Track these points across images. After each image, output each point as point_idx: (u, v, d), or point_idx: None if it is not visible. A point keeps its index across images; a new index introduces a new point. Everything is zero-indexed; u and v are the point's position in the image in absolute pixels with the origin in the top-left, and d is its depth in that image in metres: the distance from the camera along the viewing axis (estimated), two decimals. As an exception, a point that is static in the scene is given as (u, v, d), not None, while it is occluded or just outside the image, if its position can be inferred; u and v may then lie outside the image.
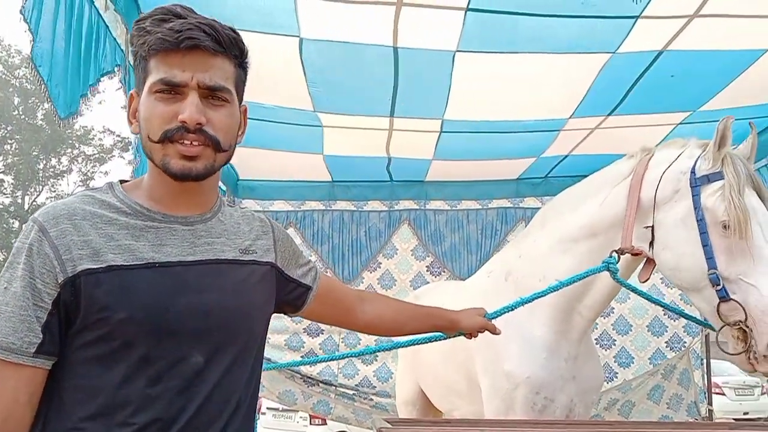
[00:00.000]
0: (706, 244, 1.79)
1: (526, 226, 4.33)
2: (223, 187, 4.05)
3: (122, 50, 2.15)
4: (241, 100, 1.20)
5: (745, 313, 1.70)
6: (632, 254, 2.01)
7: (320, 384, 4.26)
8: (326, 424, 8.47)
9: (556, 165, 3.99)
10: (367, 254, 4.38)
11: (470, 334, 1.80)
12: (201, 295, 1.08)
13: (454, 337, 1.81)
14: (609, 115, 3.12)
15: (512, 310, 2.00)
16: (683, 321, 4.20)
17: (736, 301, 1.72)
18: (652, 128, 3.32)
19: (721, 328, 1.78)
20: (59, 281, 1.00)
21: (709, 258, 1.77)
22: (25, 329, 0.99)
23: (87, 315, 1.00)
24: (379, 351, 2.02)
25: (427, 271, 4.36)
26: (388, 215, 4.41)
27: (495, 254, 3.90)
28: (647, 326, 4.15)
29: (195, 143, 1.08)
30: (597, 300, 2.16)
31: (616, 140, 3.50)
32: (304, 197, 4.40)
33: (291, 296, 1.36)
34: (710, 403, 4.07)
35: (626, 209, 2.02)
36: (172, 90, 1.07)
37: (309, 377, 4.22)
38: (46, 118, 25.15)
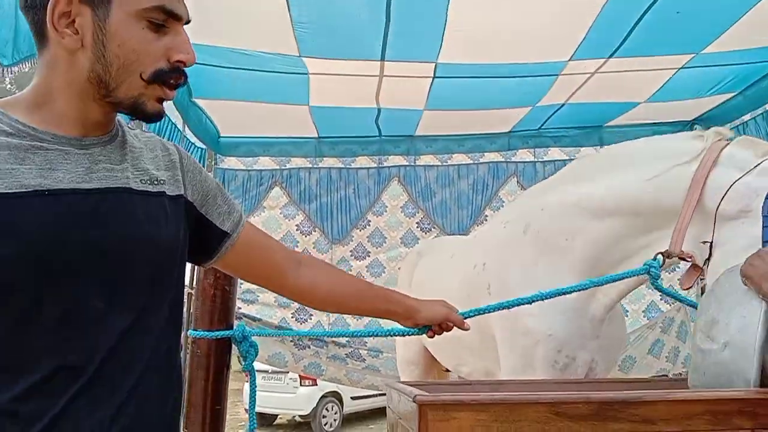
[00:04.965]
0: None
1: (518, 181, 4.28)
2: (203, 146, 3.86)
3: None
4: None
5: None
6: (680, 258, 1.80)
7: (311, 346, 4.18)
8: (317, 384, 8.49)
9: (551, 115, 3.85)
10: (356, 212, 4.25)
11: (432, 331, 1.58)
12: (100, 228, 0.94)
13: (418, 333, 1.60)
14: (610, 57, 2.97)
15: (488, 312, 1.81)
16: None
17: None
18: (652, 73, 3.18)
19: None
20: None
21: None
22: None
23: None
24: (367, 336, 1.86)
25: (417, 227, 4.25)
26: (377, 172, 4.28)
27: (507, 204, 3.70)
28: (641, 279, 4.09)
29: (177, 84, 1.01)
30: (633, 278, 1.92)
31: (614, 87, 3.38)
32: (289, 154, 4.24)
33: (200, 238, 1.16)
34: (705, 356, 4.03)
35: (683, 206, 1.79)
36: (165, 22, 0.97)
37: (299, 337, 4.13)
38: None
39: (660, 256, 1.80)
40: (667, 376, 4.18)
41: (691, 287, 1.85)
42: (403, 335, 1.66)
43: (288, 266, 1.34)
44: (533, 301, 1.79)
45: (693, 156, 1.82)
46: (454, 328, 1.58)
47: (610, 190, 1.98)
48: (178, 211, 1.07)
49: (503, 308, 1.82)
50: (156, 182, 1.04)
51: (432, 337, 1.61)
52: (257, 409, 1.77)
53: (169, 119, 3.17)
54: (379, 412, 9.91)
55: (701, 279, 1.81)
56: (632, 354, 3.91)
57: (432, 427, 1.07)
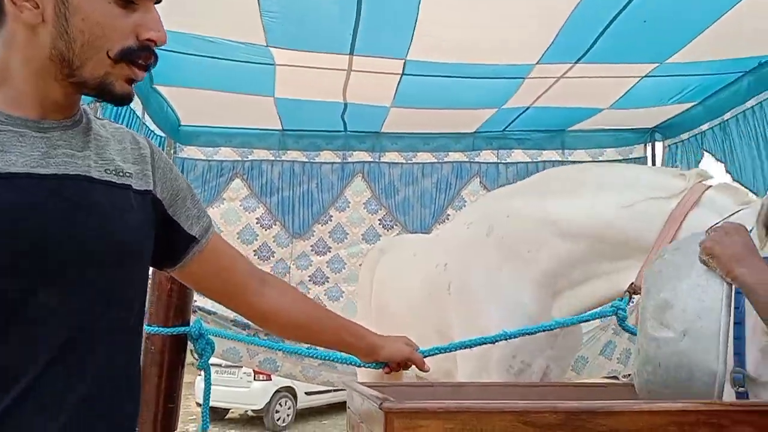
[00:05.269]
0: (738, 337, 1.31)
1: (481, 182, 4.31)
2: (162, 134, 3.76)
3: None
4: None
5: None
6: None
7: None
8: (271, 379, 8.41)
9: (515, 118, 3.88)
10: (319, 207, 4.21)
11: (389, 368, 1.53)
12: (56, 218, 0.87)
13: (374, 367, 1.54)
14: (576, 62, 2.99)
15: (451, 350, 1.80)
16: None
17: None
18: (617, 80, 3.22)
19: None
20: None
21: (738, 354, 1.31)
22: None
23: None
24: (329, 360, 1.78)
25: (379, 224, 4.24)
26: (341, 167, 4.25)
27: (470, 204, 3.69)
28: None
29: (146, 65, 0.95)
30: (593, 299, 1.96)
31: (579, 93, 3.42)
32: (251, 145, 4.16)
33: (167, 241, 1.08)
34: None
35: (656, 240, 1.75)
36: None
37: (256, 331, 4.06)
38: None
39: (626, 294, 1.78)
40: (617, 377, 4.27)
41: None
42: (359, 366, 1.59)
43: (251, 283, 1.26)
44: (497, 341, 1.79)
45: (673, 193, 1.80)
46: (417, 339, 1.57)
47: (581, 211, 1.96)
48: (145, 207, 1.00)
49: (466, 347, 1.81)
50: (121, 174, 0.97)
51: (388, 373, 1.56)
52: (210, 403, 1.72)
53: (128, 105, 3.06)
54: (333, 408, 9.88)
55: None
56: (585, 354, 3.97)
57: (398, 435, 1.06)
